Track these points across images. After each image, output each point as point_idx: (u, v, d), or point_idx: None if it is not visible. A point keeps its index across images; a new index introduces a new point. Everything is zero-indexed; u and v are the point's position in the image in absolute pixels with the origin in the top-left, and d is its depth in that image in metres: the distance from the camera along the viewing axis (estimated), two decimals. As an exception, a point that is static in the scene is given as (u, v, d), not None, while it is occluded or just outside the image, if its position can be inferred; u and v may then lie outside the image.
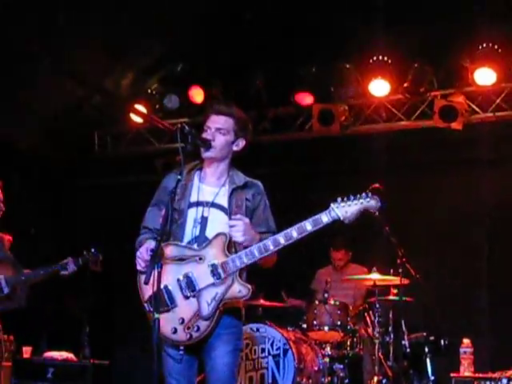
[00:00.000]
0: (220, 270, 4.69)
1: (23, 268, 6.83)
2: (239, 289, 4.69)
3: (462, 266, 9.37)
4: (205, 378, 4.85)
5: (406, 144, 9.70)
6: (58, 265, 6.83)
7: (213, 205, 4.90)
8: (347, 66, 9.51)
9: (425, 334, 8.19)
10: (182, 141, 4.67)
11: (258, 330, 7.85)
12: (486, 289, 9.34)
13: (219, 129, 4.93)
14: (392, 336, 7.97)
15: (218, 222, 4.85)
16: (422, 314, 8.81)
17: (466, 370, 7.71)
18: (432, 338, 8.14)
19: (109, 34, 9.33)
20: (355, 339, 8.23)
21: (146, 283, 4.49)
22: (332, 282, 8.39)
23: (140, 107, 10.46)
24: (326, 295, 8.20)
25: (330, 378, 7.96)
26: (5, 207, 6.73)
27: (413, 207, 9.59)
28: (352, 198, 4.66)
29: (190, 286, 4.72)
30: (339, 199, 4.66)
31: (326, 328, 8.11)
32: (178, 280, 4.74)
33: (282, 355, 7.70)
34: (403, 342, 7.98)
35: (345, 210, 4.63)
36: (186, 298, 4.71)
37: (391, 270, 7.96)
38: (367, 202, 4.67)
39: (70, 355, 8.65)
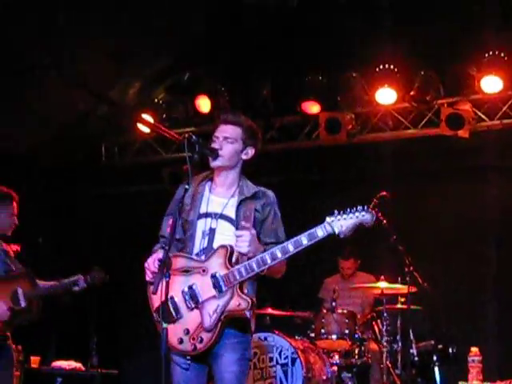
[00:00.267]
0: (221, 283, 4.70)
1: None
2: (239, 302, 4.69)
3: (469, 273, 9.35)
4: (213, 385, 4.87)
5: (412, 152, 9.70)
6: (70, 281, 6.85)
7: (221, 216, 4.90)
8: (354, 74, 9.52)
9: (433, 342, 8.17)
10: (189, 150, 4.66)
11: (265, 338, 7.83)
12: (493, 296, 9.33)
13: (227, 138, 4.92)
14: (400, 344, 7.95)
15: (225, 234, 4.86)
16: (430, 322, 8.79)
17: (474, 379, 7.68)
18: (440, 346, 8.12)
19: (115, 43, 9.35)
20: (363, 348, 8.21)
21: (154, 293, 4.50)
22: (340, 290, 8.38)
23: (147, 117, 10.47)
24: (333, 304, 8.19)
25: (338, 387, 7.95)
26: (17, 221, 6.77)
27: (420, 215, 9.58)
28: (348, 211, 4.60)
29: (193, 298, 4.73)
30: (335, 212, 4.61)
31: (334, 337, 8.10)
32: (183, 291, 4.75)
33: (290, 364, 7.68)
34: (411, 351, 7.95)
35: (340, 223, 4.59)
36: (191, 309, 4.73)
37: (399, 279, 7.94)
38: (362, 216, 4.60)
39: (78, 365, 8.67)
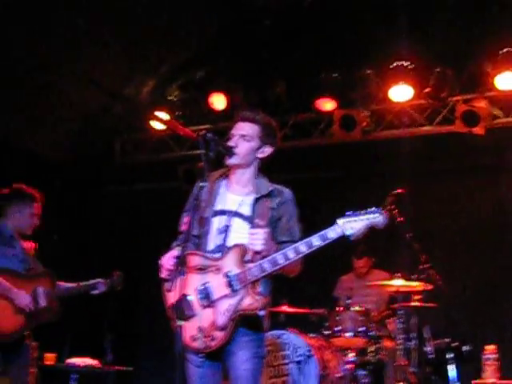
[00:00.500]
0: (234, 282, 4.70)
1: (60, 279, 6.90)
2: (251, 302, 4.69)
3: (485, 271, 9.31)
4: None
5: (427, 149, 9.67)
6: (90, 284, 6.88)
7: (236, 214, 4.90)
8: (369, 71, 9.49)
9: (448, 340, 8.14)
10: (204, 148, 4.65)
11: (280, 336, 7.82)
12: (510, 294, 9.27)
13: (243, 135, 4.92)
14: (415, 342, 7.93)
15: (240, 232, 4.85)
16: (445, 319, 8.79)
17: (489, 377, 7.66)
18: (455, 344, 8.08)
19: (129, 41, 9.36)
20: (378, 345, 8.18)
21: (169, 291, 4.51)
22: (355, 288, 8.38)
23: (161, 114, 10.48)
24: (348, 301, 8.18)
25: (353, 385, 7.93)
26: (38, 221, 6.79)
27: (435, 212, 9.57)
28: (359, 213, 4.60)
29: (206, 296, 4.74)
30: (348, 213, 4.60)
31: (349, 334, 8.07)
32: (197, 289, 4.76)
33: (304, 362, 7.67)
34: (426, 348, 7.92)
35: (351, 225, 4.58)
36: (204, 307, 4.73)
37: (414, 276, 7.92)
38: (374, 218, 4.59)
39: (94, 362, 8.69)
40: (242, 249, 4.73)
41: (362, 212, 4.59)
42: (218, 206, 4.93)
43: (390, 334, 8.32)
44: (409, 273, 7.99)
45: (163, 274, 4.81)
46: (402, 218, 7.35)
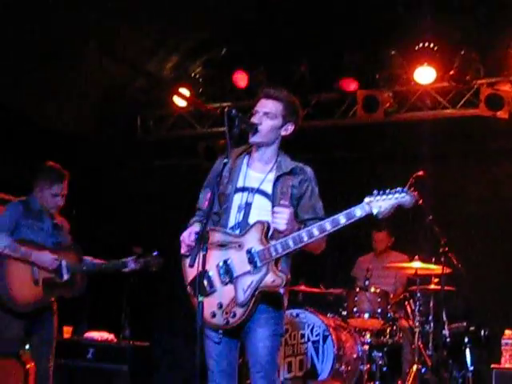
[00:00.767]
0: (257, 259, 4.69)
1: (85, 255, 6.93)
2: (273, 278, 4.67)
3: (504, 255, 9.27)
4: (246, 361, 4.88)
5: (450, 132, 9.60)
6: (119, 262, 6.88)
7: (258, 191, 4.88)
8: (393, 52, 9.42)
9: (465, 324, 8.13)
10: (228, 124, 4.64)
11: (297, 315, 7.85)
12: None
13: (267, 113, 4.90)
14: (432, 325, 7.93)
15: (261, 209, 4.84)
16: (464, 303, 8.77)
17: (507, 362, 7.63)
18: (472, 328, 8.08)
19: (153, 17, 9.34)
20: (395, 327, 8.19)
21: (191, 266, 4.50)
22: (373, 269, 8.36)
23: (183, 90, 10.47)
24: (366, 282, 8.17)
25: (368, 366, 7.93)
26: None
27: (456, 195, 9.52)
28: (387, 192, 4.55)
29: (228, 273, 4.74)
30: (375, 192, 4.56)
31: (366, 315, 8.08)
32: (218, 266, 4.76)
33: (321, 341, 7.69)
34: (443, 332, 7.94)
35: (379, 204, 4.54)
36: (225, 284, 4.74)
37: (433, 259, 7.91)
38: (402, 197, 4.55)
39: (111, 336, 8.73)
40: (265, 226, 4.72)
41: (390, 191, 4.55)
42: (240, 183, 4.92)
43: (407, 316, 8.32)
44: (428, 255, 7.98)
45: (183, 250, 4.82)
46: (422, 201, 7.32)
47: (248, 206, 4.86)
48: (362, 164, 10.13)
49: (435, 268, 7.86)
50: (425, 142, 9.46)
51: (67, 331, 8.78)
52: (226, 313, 4.69)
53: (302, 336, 7.78)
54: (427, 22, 8.92)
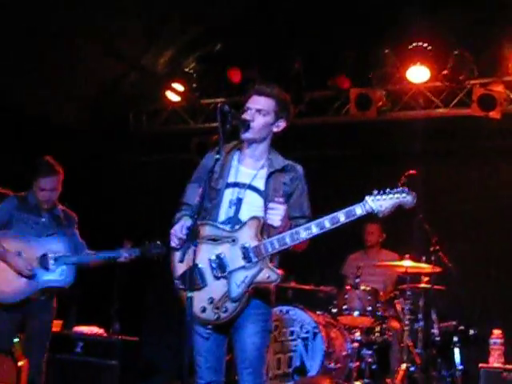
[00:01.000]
0: (251, 254, 4.69)
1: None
2: (268, 274, 4.68)
3: (494, 255, 9.30)
4: (234, 357, 4.88)
5: (442, 131, 9.63)
6: (112, 252, 6.83)
7: (249, 187, 4.88)
8: (386, 50, 9.43)
9: (454, 323, 8.16)
10: (221, 120, 4.64)
11: (287, 312, 7.86)
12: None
13: (259, 110, 4.89)
14: (421, 324, 7.95)
15: (252, 205, 4.85)
16: (453, 302, 8.79)
17: (495, 361, 7.67)
18: (462, 327, 8.10)
19: (147, 11, 9.33)
20: (384, 325, 8.21)
21: (182, 261, 4.51)
22: (363, 267, 8.37)
23: (177, 85, 10.47)
24: (356, 280, 8.18)
25: (358, 363, 7.94)
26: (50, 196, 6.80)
27: (447, 195, 9.54)
28: (388, 191, 4.60)
29: (220, 267, 4.72)
30: (375, 192, 4.60)
31: (356, 313, 8.10)
32: (210, 260, 4.74)
33: (311, 338, 7.71)
34: (432, 331, 7.96)
35: (379, 203, 4.58)
36: (217, 278, 4.72)
37: (423, 258, 7.92)
38: (403, 197, 4.60)
39: (100, 330, 8.73)
40: (261, 222, 4.73)
41: (391, 191, 4.60)
42: (231, 179, 4.92)
43: (397, 314, 8.34)
44: (418, 254, 8.00)
45: (174, 243, 4.80)
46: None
47: (239, 201, 4.85)
48: (354, 162, 10.14)
49: (425, 267, 7.88)
50: (417, 141, 9.48)
51: (57, 325, 8.75)
52: (217, 308, 4.68)
53: (292, 333, 7.80)
54: (421, 21, 8.93)
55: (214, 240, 4.77)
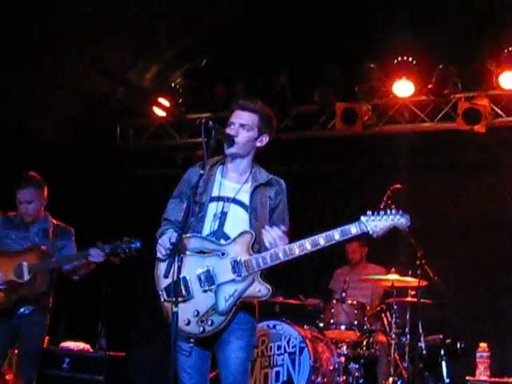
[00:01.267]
0: (242, 268, 4.69)
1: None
2: (259, 288, 4.69)
3: (480, 268, 9.32)
4: (218, 373, 4.86)
5: (428, 145, 9.67)
6: (82, 252, 6.80)
7: (233, 201, 4.89)
8: (372, 65, 9.47)
9: (441, 336, 8.16)
10: (205, 136, 4.65)
11: (274, 327, 7.85)
12: (505, 292, 9.28)
13: (243, 125, 4.91)
14: (408, 337, 7.95)
15: (237, 218, 4.86)
16: (440, 316, 8.80)
17: (481, 374, 7.68)
18: (448, 340, 8.11)
19: (134, 26, 9.35)
20: (371, 339, 8.21)
21: (166, 276, 4.49)
22: (349, 281, 8.37)
23: (163, 101, 10.49)
24: (343, 294, 8.18)
25: (345, 378, 7.94)
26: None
27: (433, 208, 9.55)
28: (383, 213, 4.63)
29: (209, 280, 4.71)
30: (369, 213, 4.63)
31: (343, 327, 8.10)
32: (198, 272, 4.73)
33: (297, 353, 7.69)
34: (419, 344, 7.94)
35: (374, 224, 4.62)
36: (204, 291, 4.71)
37: (410, 272, 7.93)
38: (397, 219, 4.64)
39: (87, 346, 8.69)
40: (252, 236, 4.74)
41: (385, 213, 4.64)
42: (215, 193, 4.92)
43: (383, 328, 8.34)
44: (404, 268, 8.01)
45: (160, 254, 4.77)
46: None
47: (224, 214, 4.86)
48: (340, 176, 10.15)
49: (412, 280, 7.89)
50: (403, 155, 9.52)
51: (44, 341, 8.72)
52: (202, 321, 4.66)
53: (279, 347, 7.78)
54: (406, 36, 8.98)
55: (203, 252, 4.76)
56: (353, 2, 9.15)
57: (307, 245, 4.66)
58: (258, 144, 4.99)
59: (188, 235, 4.75)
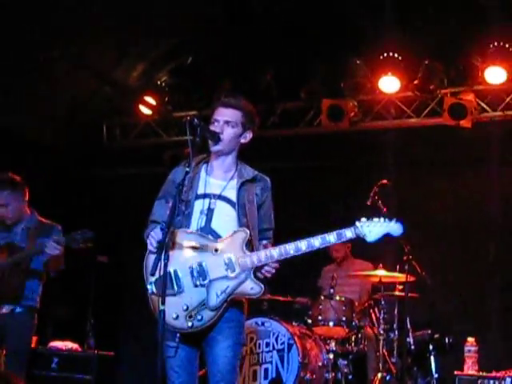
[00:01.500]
0: (235, 265, 4.71)
1: None
2: (252, 286, 4.72)
3: (468, 263, 9.34)
4: (206, 371, 4.87)
5: (414, 141, 9.68)
6: (35, 249, 6.76)
7: (220, 197, 4.91)
8: (358, 61, 9.47)
9: (429, 331, 8.19)
10: (190, 133, 4.66)
11: (263, 324, 7.84)
12: (492, 287, 9.31)
13: (228, 121, 4.93)
14: (397, 333, 7.97)
15: (224, 215, 4.88)
16: (428, 311, 8.83)
17: (470, 369, 7.71)
18: (437, 335, 8.13)
19: (120, 25, 9.33)
20: (360, 335, 8.22)
21: (152, 274, 4.50)
22: (337, 278, 8.37)
23: (149, 99, 10.47)
24: (331, 291, 8.19)
25: (334, 374, 7.94)
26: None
27: (419, 204, 9.57)
28: (377, 220, 4.73)
29: (201, 275, 4.71)
30: (363, 219, 4.72)
31: (331, 323, 8.09)
32: (191, 267, 4.73)
33: (286, 350, 7.69)
34: (408, 339, 7.96)
35: (369, 229, 4.71)
36: (195, 286, 4.71)
37: (397, 267, 7.95)
38: (391, 226, 4.75)
39: (75, 345, 8.67)
40: (248, 236, 4.78)
41: (379, 220, 4.74)
42: (200, 190, 4.94)
43: (372, 324, 8.35)
44: (392, 263, 8.02)
45: (152, 247, 4.75)
46: (385, 209, 7.36)
47: (210, 211, 4.87)
48: (326, 173, 10.14)
49: (399, 276, 7.91)
50: (389, 151, 9.53)
51: (32, 341, 8.69)
52: (191, 316, 4.66)
53: (267, 344, 7.78)
54: (392, 32, 8.99)
55: (195, 248, 4.77)
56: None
57: (302, 246, 4.73)
58: (243, 140, 5.02)
59: (181, 230, 4.77)
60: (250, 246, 4.80)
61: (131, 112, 10.81)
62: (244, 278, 4.71)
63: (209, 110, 9.44)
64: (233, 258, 4.72)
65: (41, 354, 8.36)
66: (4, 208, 6.79)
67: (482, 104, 9.41)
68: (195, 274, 4.72)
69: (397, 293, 8.10)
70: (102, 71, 10.16)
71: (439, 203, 9.62)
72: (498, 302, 9.25)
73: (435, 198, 9.66)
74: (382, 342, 7.91)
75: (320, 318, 8.11)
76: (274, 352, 7.74)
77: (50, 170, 10.15)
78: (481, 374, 7.56)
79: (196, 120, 4.72)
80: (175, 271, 4.70)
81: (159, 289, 4.53)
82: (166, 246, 4.51)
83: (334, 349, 8.05)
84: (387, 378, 7.85)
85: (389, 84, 9.45)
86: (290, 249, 4.71)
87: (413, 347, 7.97)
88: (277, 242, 4.91)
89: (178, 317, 4.67)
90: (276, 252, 4.72)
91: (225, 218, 4.86)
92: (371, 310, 8.44)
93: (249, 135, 5.03)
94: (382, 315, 7.98)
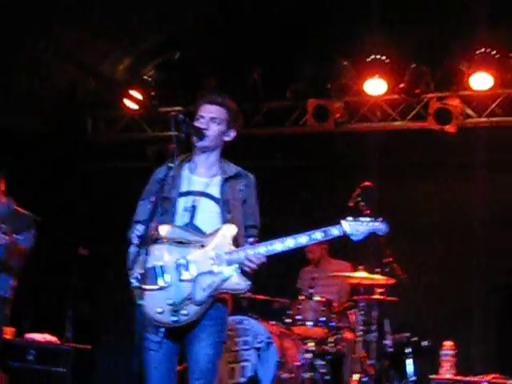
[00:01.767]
0: (222, 260, 4.72)
1: None
2: (238, 282, 4.73)
3: (449, 267, 9.37)
4: (185, 367, 4.86)
5: (399, 144, 9.70)
6: None
7: (203, 194, 4.91)
8: (344, 62, 9.49)
9: (407, 334, 8.19)
10: (175, 129, 4.66)
11: (241, 322, 7.83)
12: (471, 290, 9.34)
13: (213, 118, 4.94)
14: (375, 335, 7.97)
15: (208, 211, 4.88)
16: (406, 314, 8.84)
17: (446, 373, 7.73)
18: (414, 338, 8.14)
19: (107, 18, 9.30)
20: (338, 336, 8.21)
21: (130, 269, 4.51)
22: (316, 278, 8.37)
23: (135, 93, 10.44)
24: (310, 291, 8.18)
25: (311, 374, 7.93)
26: None
27: (402, 207, 9.58)
28: (362, 219, 4.79)
29: (187, 270, 4.70)
30: (349, 218, 4.77)
31: (310, 324, 8.08)
32: (178, 262, 4.71)
33: (264, 348, 7.68)
34: (386, 342, 7.96)
35: (355, 228, 4.76)
36: (181, 280, 4.69)
37: (377, 269, 7.95)
38: (377, 225, 4.83)
39: (53, 338, 8.65)
40: (234, 230, 4.80)
41: (365, 219, 4.80)
42: (184, 188, 4.93)
43: (350, 325, 8.35)
44: (372, 265, 8.03)
45: (135, 241, 4.71)
46: (368, 211, 7.36)
47: (194, 208, 4.87)
48: (310, 173, 10.15)
49: (379, 278, 7.91)
50: (374, 153, 9.55)
51: (9, 332, 8.66)
52: (176, 311, 4.64)
53: (245, 343, 7.76)
54: (379, 34, 9.00)
55: (181, 243, 4.76)
56: (325, 0, 9.15)
57: (289, 242, 4.75)
58: (226, 138, 5.04)
59: (167, 225, 4.77)
60: (235, 242, 4.81)
61: (117, 106, 10.77)
62: (230, 273, 4.71)
63: (194, 106, 9.59)
64: (219, 253, 4.73)
65: (17, 346, 8.35)
66: None
67: (468, 110, 9.44)
68: (181, 268, 4.71)
69: (376, 295, 8.09)
70: (88, 64, 10.11)
71: (423, 206, 9.65)
72: (481, 306, 9.27)
73: (420, 200, 9.69)
74: (359, 343, 7.90)
75: (299, 317, 8.10)
76: (252, 350, 7.73)
77: (34, 163, 10.11)
78: (457, 378, 7.59)
79: (181, 116, 4.73)
80: (161, 266, 4.68)
81: (142, 283, 4.52)
82: (149, 239, 4.51)
83: (312, 349, 8.04)
84: (364, 379, 7.82)
85: (375, 86, 9.48)
86: (277, 245, 4.73)
87: (390, 350, 7.97)
88: (261, 240, 4.90)
89: (163, 311, 4.65)
90: (263, 248, 4.73)
91: (208, 215, 4.86)
92: (350, 312, 8.43)
93: (232, 133, 5.05)
94: (360, 317, 7.97)
